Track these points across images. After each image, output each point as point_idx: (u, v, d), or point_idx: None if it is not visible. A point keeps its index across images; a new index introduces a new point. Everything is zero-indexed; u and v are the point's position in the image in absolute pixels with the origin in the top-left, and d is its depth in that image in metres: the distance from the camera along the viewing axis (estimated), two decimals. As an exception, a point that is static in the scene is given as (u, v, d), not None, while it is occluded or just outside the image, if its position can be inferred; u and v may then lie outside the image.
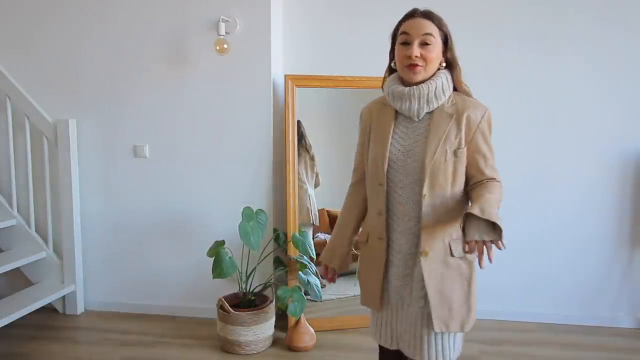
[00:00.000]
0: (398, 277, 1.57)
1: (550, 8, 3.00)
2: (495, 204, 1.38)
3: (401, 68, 1.49)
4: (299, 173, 3.04)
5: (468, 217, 1.36)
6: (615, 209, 3.07)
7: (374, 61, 3.10)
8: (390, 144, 1.51)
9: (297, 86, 3.01)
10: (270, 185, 3.08)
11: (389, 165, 1.51)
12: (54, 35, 3.18)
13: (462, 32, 3.06)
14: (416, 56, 1.45)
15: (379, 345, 1.71)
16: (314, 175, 3.11)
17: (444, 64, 1.51)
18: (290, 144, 3.00)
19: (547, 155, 3.09)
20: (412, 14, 1.51)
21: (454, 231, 1.49)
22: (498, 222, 1.30)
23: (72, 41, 3.17)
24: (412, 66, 1.45)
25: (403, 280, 1.56)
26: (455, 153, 1.46)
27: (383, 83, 1.61)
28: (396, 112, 1.54)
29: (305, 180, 3.08)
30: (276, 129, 3.08)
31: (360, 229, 1.70)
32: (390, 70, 1.60)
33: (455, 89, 1.53)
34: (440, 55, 1.49)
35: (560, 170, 3.08)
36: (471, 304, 1.53)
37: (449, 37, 1.51)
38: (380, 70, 3.07)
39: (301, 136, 3.07)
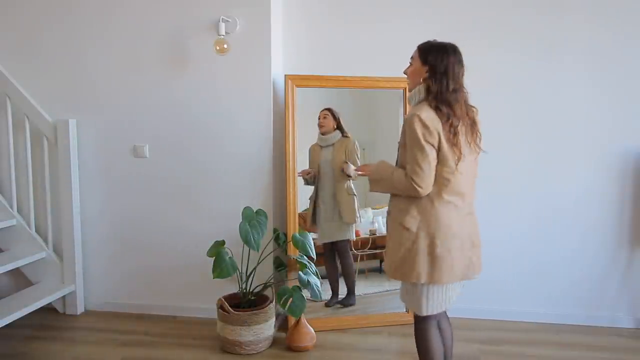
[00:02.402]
0: None
1: (549, 10, 3.01)
2: (387, 176, 1.99)
3: None
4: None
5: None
6: (615, 209, 3.07)
7: (374, 61, 3.14)
8: None
9: (297, 86, 3.02)
10: (270, 185, 3.08)
11: None
12: (54, 35, 3.18)
13: (463, 38, 3.09)
14: (404, 72, 2.07)
15: None
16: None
17: (421, 80, 1.97)
18: (290, 144, 3.00)
19: (546, 155, 3.09)
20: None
21: (401, 203, 1.97)
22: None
23: (72, 41, 3.17)
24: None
25: None
26: (401, 147, 1.97)
27: None
28: None
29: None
30: (276, 129, 3.08)
31: None
32: None
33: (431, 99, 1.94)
34: (421, 73, 1.96)
35: (560, 171, 3.09)
36: (394, 261, 1.97)
37: (427, 59, 1.95)
38: (380, 70, 3.11)
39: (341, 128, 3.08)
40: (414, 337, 2.07)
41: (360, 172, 2.25)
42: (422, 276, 1.90)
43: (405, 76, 2.06)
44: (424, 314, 1.98)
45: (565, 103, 3.05)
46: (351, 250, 3.11)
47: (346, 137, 3.06)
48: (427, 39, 2.01)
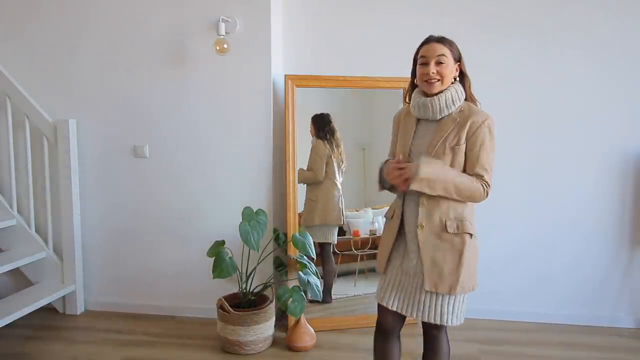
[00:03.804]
0: (411, 251, 1.86)
1: (550, 2, 3.00)
2: (449, 178, 1.75)
3: (421, 83, 1.85)
4: (333, 172, 3.07)
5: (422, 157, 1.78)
6: (616, 209, 3.07)
7: (374, 61, 3.14)
8: (411, 142, 1.89)
9: (297, 86, 3.01)
10: (270, 185, 3.08)
11: (409, 157, 1.87)
12: (54, 35, 3.17)
13: (461, 29, 3.07)
14: (432, 73, 1.80)
15: (379, 305, 1.96)
16: (341, 172, 3.10)
17: (457, 78, 1.85)
18: (290, 144, 3.00)
19: (547, 155, 3.09)
20: (428, 40, 1.85)
21: (451, 211, 1.81)
22: (420, 173, 1.72)
23: (72, 41, 3.17)
24: (430, 82, 1.81)
25: (414, 253, 1.85)
26: (452, 149, 1.79)
27: (405, 96, 2.01)
28: (417, 118, 1.91)
29: (338, 179, 3.09)
30: (276, 129, 3.08)
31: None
32: (413, 85, 1.94)
33: (466, 99, 1.87)
34: (454, 71, 1.83)
35: (560, 171, 3.08)
36: (461, 273, 1.79)
37: (461, 55, 1.86)
38: (380, 69, 3.12)
39: (332, 131, 3.06)
40: (442, 350, 1.95)
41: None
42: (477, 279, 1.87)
43: (432, 75, 1.79)
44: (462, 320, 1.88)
45: (566, 103, 3.05)
46: (351, 250, 3.12)
47: (318, 139, 3.07)
48: (418, 39, 1.89)
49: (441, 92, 1.82)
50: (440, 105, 1.81)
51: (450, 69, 1.81)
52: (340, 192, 3.09)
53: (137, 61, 3.12)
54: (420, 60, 1.85)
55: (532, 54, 3.03)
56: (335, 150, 3.06)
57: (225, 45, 2.89)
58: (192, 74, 3.07)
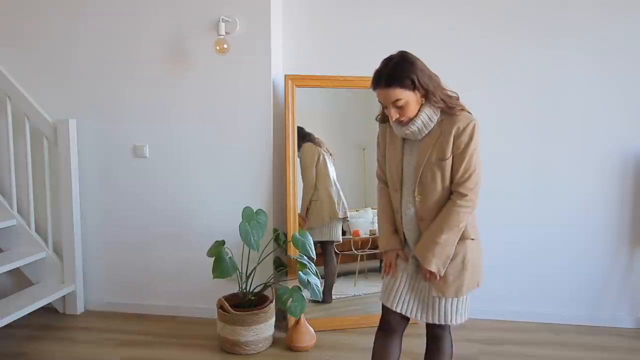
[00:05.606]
0: (413, 255, 1.89)
1: (550, 1, 2.99)
2: (450, 241, 1.77)
3: (390, 121, 1.82)
4: (326, 168, 3.11)
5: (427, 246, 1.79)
6: (616, 209, 3.07)
7: (374, 61, 3.09)
8: (402, 160, 1.86)
9: (297, 86, 3.01)
10: (270, 185, 3.08)
11: (401, 176, 1.87)
12: (54, 35, 3.18)
13: (461, 29, 3.07)
14: (396, 117, 1.75)
15: (383, 305, 1.97)
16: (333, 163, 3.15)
17: (423, 100, 1.75)
18: (290, 144, 3.00)
19: (547, 156, 3.08)
20: (376, 86, 1.77)
21: None
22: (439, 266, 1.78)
23: (72, 41, 3.17)
24: (397, 121, 1.78)
25: (415, 259, 1.88)
26: (439, 164, 1.76)
27: (378, 116, 1.98)
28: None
29: (332, 173, 3.12)
30: (276, 129, 3.08)
31: None
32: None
33: (443, 110, 1.77)
34: (419, 99, 1.74)
35: (560, 171, 3.08)
36: (465, 277, 1.82)
37: (417, 78, 1.70)
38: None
39: (311, 136, 3.10)
40: (443, 348, 1.97)
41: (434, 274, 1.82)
42: (483, 275, 1.91)
43: (397, 118, 1.76)
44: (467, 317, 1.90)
45: (566, 102, 3.04)
46: (351, 250, 3.11)
47: (304, 143, 3.10)
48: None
49: (414, 118, 1.76)
50: (417, 128, 1.76)
51: (413, 104, 1.73)
52: (338, 186, 3.11)
53: (137, 61, 3.12)
54: (379, 101, 1.79)
55: (532, 54, 3.03)
56: (322, 146, 3.10)
57: (225, 45, 2.89)
58: (192, 73, 3.07)
